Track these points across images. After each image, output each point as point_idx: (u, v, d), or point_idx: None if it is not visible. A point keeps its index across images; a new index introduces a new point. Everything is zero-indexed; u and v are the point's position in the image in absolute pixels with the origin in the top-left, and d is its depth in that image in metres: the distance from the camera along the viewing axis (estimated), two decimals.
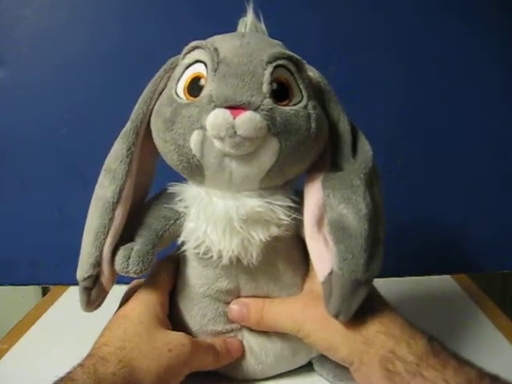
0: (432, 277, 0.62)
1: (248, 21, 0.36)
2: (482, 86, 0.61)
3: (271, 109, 0.30)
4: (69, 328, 0.50)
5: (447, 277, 0.62)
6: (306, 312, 0.36)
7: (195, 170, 0.33)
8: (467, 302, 0.55)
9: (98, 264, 0.34)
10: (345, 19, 0.59)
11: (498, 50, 0.60)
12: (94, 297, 0.36)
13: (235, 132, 0.29)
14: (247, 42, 0.33)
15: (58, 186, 0.62)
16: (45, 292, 0.71)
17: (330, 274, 0.33)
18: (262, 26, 0.37)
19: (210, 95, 0.30)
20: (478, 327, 0.49)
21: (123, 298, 0.39)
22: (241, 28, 0.37)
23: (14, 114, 0.61)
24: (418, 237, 0.62)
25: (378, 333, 0.33)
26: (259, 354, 0.39)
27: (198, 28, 0.56)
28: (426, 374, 0.30)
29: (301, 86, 0.33)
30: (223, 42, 0.33)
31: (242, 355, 0.39)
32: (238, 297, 0.38)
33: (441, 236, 0.65)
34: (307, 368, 0.41)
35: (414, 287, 0.59)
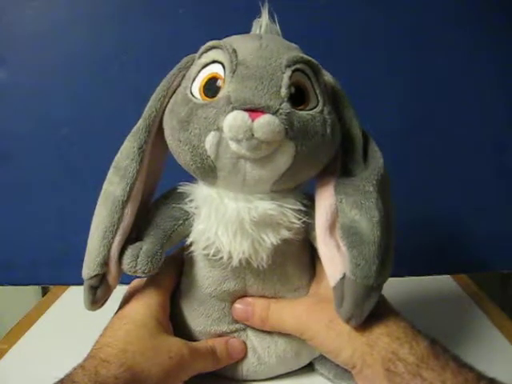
0: (432, 277, 0.62)
1: (263, 22, 0.36)
2: (482, 85, 0.61)
3: (289, 113, 0.30)
4: (69, 328, 0.50)
5: (447, 277, 0.62)
6: (312, 314, 0.36)
7: (208, 171, 0.33)
8: (467, 301, 0.55)
9: (105, 263, 0.34)
10: (344, 18, 0.59)
11: (498, 49, 0.60)
12: (99, 296, 0.35)
13: (253, 135, 0.29)
14: (266, 45, 0.32)
15: (58, 186, 0.62)
16: (45, 292, 0.71)
17: (342, 278, 0.33)
18: (277, 27, 0.37)
19: (227, 96, 0.30)
20: (478, 327, 0.49)
21: (124, 298, 0.39)
22: (255, 29, 0.37)
23: (14, 114, 0.61)
24: (417, 237, 0.62)
25: (382, 335, 0.33)
26: (262, 354, 0.39)
27: (198, 28, 0.56)
28: (425, 375, 0.30)
29: (317, 91, 0.33)
30: (241, 43, 0.33)
31: (245, 355, 0.39)
32: (244, 297, 0.38)
33: (441, 236, 0.65)
34: (307, 367, 0.41)
35: (413, 287, 0.59)
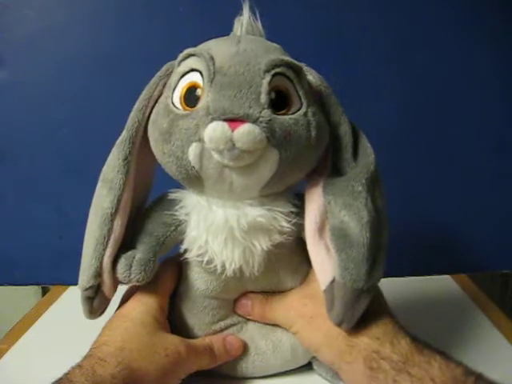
0: (432, 277, 0.62)
1: (244, 20, 0.35)
2: (482, 85, 0.61)
3: (270, 120, 0.30)
4: (69, 328, 0.50)
5: (447, 277, 0.62)
6: (297, 309, 0.37)
7: (195, 181, 0.32)
8: (467, 302, 0.55)
9: (98, 274, 0.34)
10: (343, 18, 0.59)
11: (498, 50, 0.60)
12: (96, 305, 0.35)
13: (234, 145, 0.29)
14: (244, 50, 0.32)
15: (57, 186, 0.62)
16: (45, 292, 0.71)
17: (332, 282, 0.33)
18: (259, 25, 0.36)
19: (207, 107, 0.30)
20: (478, 327, 0.49)
21: (123, 297, 0.39)
22: (237, 28, 0.36)
23: (13, 113, 0.60)
24: (417, 237, 0.62)
25: (362, 335, 0.33)
26: (260, 351, 0.39)
27: (197, 27, 0.56)
28: (412, 372, 0.30)
29: (300, 93, 0.32)
30: (219, 49, 0.32)
31: (243, 353, 0.39)
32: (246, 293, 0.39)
33: (441, 236, 0.65)
34: (307, 368, 0.41)
35: (414, 287, 0.59)
